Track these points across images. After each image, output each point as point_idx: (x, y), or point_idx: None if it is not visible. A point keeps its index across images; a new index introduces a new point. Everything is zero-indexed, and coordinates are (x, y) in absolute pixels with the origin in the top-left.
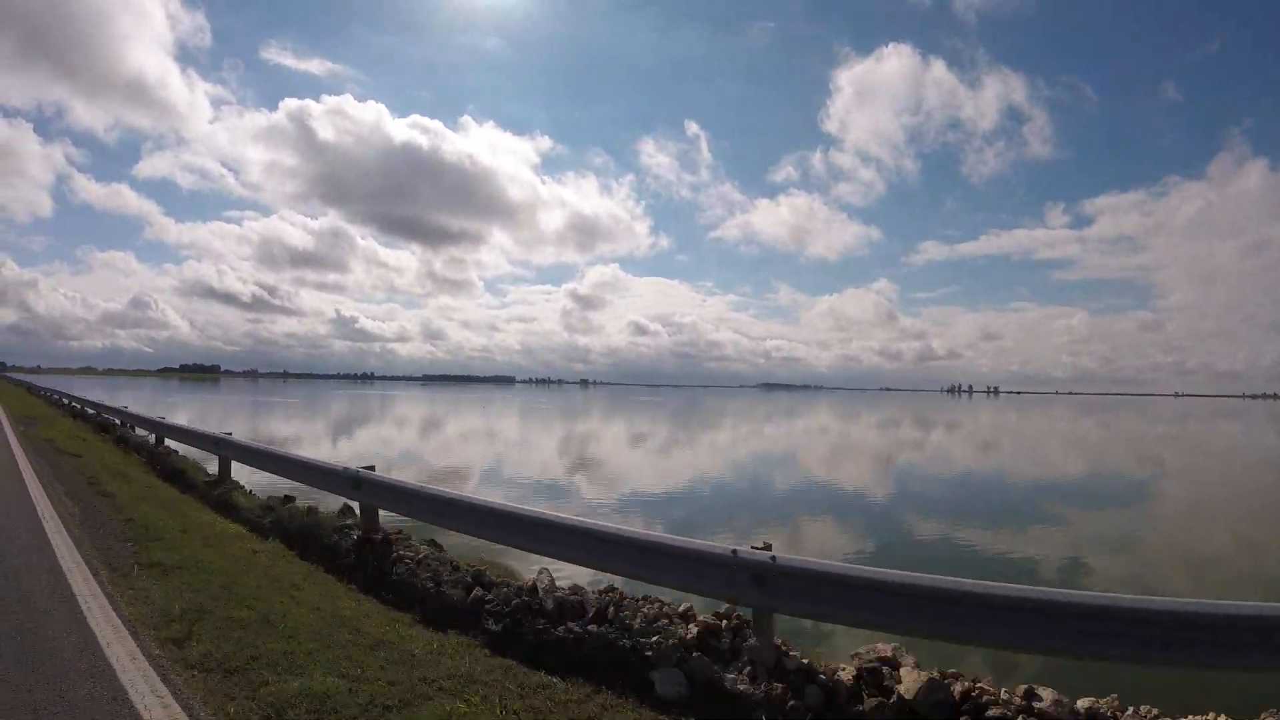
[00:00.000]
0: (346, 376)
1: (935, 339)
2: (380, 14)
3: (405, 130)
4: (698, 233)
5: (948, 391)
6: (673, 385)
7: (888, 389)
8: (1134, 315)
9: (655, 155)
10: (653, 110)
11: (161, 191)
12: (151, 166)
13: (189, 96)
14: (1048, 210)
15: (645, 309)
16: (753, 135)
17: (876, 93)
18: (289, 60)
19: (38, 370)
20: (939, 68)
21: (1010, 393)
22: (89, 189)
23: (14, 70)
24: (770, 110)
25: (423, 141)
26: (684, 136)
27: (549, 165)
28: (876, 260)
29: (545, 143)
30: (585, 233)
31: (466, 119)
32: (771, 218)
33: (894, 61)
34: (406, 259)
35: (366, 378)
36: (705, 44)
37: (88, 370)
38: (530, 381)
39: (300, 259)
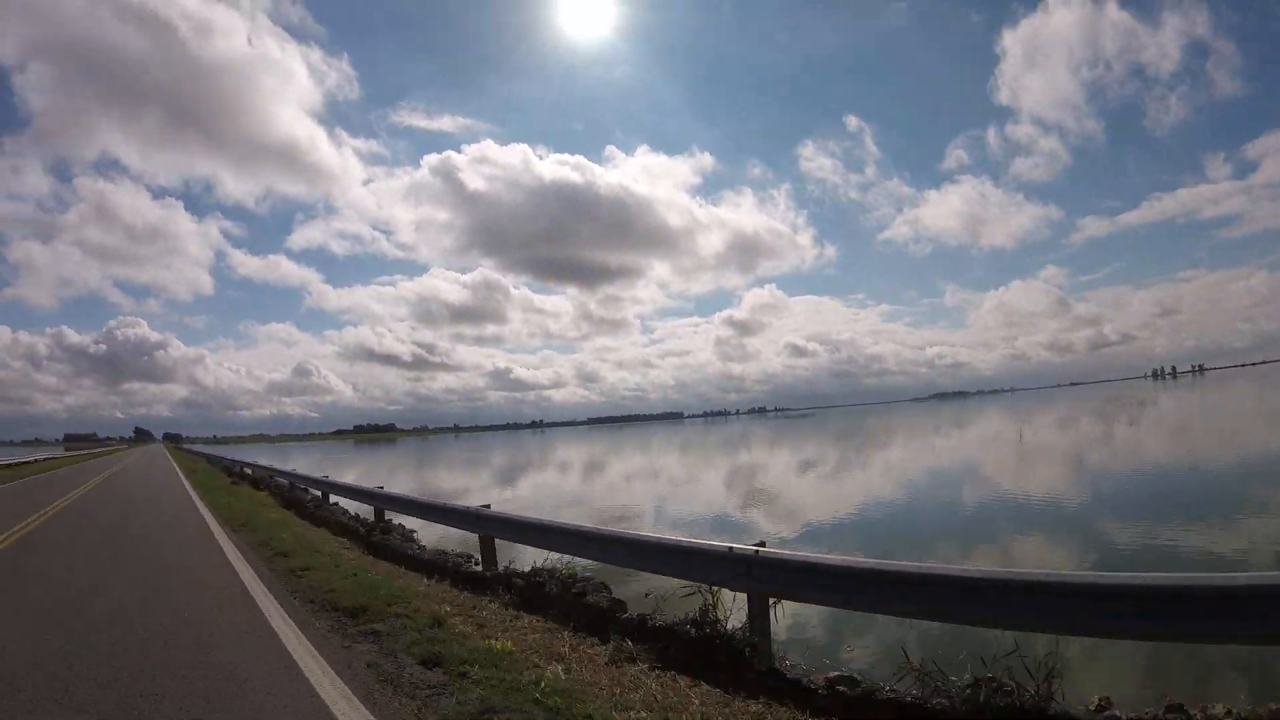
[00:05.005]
0: (513, 426)
1: (1107, 324)
2: (499, 64)
3: (554, 169)
4: (865, 236)
5: (1152, 376)
6: (840, 405)
7: (1074, 384)
8: None
9: (815, 158)
10: (806, 111)
11: (318, 260)
12: (305, 237)
13: (339, 157)
14: (1208, 162)
15: (800, 329)
16: (921, 119)
17: (1049, 49)
18: (420, 121)
19: (214, 440)
20: (1112, 8)
21: (1215, 369)
22: (246, 263)
23: (160, 147)
24: (935, 89)
25: (574, 178)
26: (845, 132)
27: (710, 183)
28: (1043, 245)
29: (707, 159)
30: (746, 252)
31: (612, 149)
32: (941, 209)
33: (1063, 12)
34: (562, 304)
35: (536, 425)
36: (841, 36)
37: (259, 438)
38: (702, 415)
39: (458, 314)
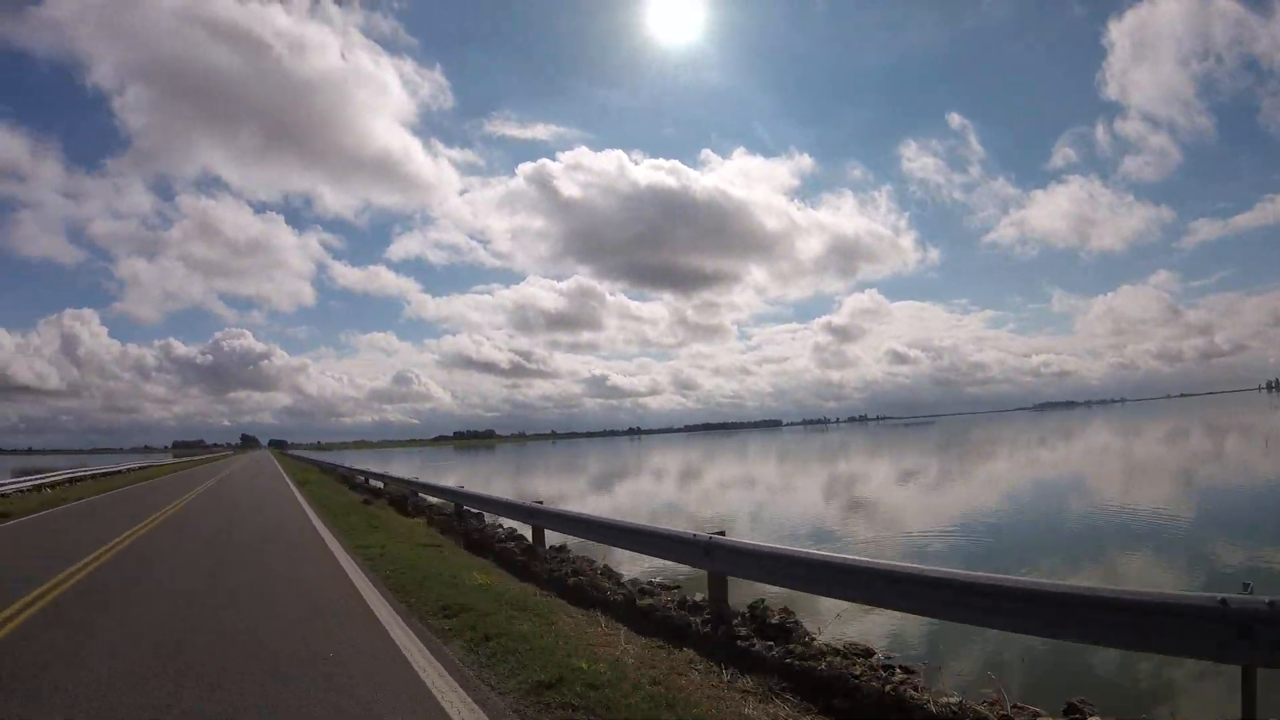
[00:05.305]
0: (610, 433)
1: (1218, 332)
2: (590, 72)
3: (649, 173)
4: (969, 239)
5: (1266, 388)
6: (943, 414)
7: (1184, 395)
8: None
9: (917, 158)
10: (906, 109)
11: (417, 270)
12: (403, 248)
13: (435, 168)
14: None
15: (901, 335)
16: (1026, 116)
17: (1157, 41)
18: (513, 130)
19: (317, 446)
20: None
21: None
22: (346, 274)
23: (259, 163)
24: (1039, 84)
25: (669, 182)
26: (948, 131)
27: (808, 185)
28: (1154, 248)
29: (805, 161)
30: (846, 256)
31: (707, 153)
32: (1049, 210)
33: (1170, 1)
34: (658, 310)
35: (633, 432)
36: (938, 31)
37: (362, 443)
38: (800, 423)
39: (554, 321)
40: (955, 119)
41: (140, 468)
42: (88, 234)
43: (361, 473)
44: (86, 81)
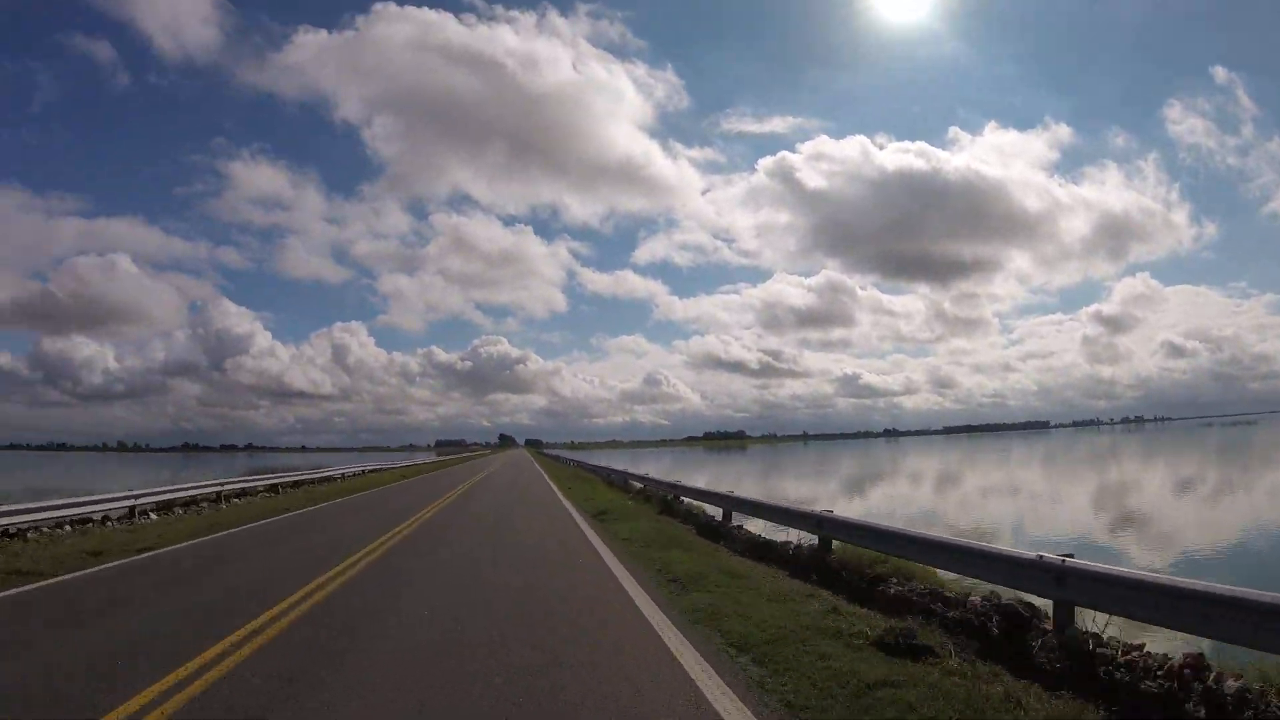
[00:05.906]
0: (865, 435)
1: None
2: (822, 59)
3: (895, 157)
4: (1246, 210)
5: None
6: (1225, 415)
7: None
8: None
9: (1184, 119)
10: (1166, 66)
11: (663, 272)
12: (649, 251)
13: (675, 169)
14: None
15: (1176, 325)
16: None
17: None
18: (750, 125)
19: (571, 445)
20: None
21: None
22: (595, 280)
23: (506, 179)
24: None
25: (918, 165)
26: (1213, 87)
27: (1068, 158)
28: None
29: (1063, 131)
30: (1114, 235)
31: (955, 130)
32: None
33: None
34: (912, 303)
35: (889, 434)
36: None
37: (613, 443)
38: (1070, 425)
39: (803, 319)
40: (1220, 73)
41: (361, 472)
42: (351, 254)
43: (703, 494)
44: (335, 117)
